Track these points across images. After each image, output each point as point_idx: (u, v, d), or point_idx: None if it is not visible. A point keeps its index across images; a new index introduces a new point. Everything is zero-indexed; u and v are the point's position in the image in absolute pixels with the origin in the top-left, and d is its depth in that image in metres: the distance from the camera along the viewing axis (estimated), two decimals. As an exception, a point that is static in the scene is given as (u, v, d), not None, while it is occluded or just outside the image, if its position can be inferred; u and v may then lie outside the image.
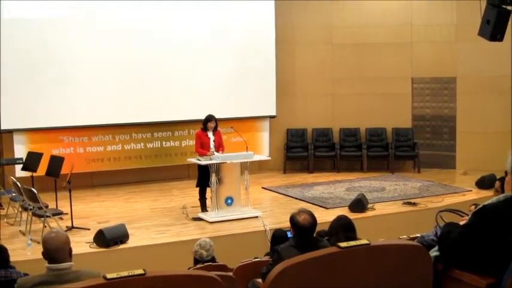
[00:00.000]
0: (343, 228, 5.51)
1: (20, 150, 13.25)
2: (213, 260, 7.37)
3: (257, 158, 12.10)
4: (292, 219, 5.36)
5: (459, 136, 15.67)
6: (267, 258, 6.47)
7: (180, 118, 14.73)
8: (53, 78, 13.56)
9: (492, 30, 8.92)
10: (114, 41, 14.03)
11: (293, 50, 16.06)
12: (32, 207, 10.08)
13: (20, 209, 10.89)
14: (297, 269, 3.29)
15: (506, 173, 4.00)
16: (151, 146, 14.73)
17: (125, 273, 2.94)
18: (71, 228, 10.37)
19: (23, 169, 12.23)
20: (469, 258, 3.89)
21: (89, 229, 10.38)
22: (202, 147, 11.37)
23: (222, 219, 10.93)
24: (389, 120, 16.00)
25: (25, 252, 9.26)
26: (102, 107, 13.96)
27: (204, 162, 10.98)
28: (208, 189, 11.30)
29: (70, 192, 10.45)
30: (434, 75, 15.94)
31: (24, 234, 10.22)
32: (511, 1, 9.03)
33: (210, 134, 11.46)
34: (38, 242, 9.16)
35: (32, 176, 11.80)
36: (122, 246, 9.60)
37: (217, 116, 11.62)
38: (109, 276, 2.93)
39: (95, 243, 9.56)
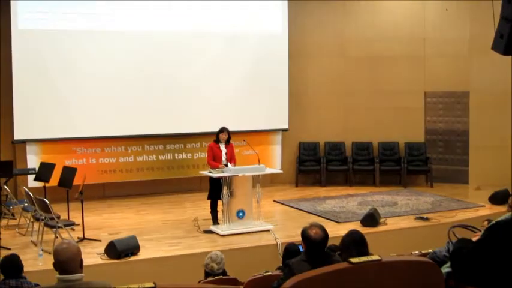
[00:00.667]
0: (354, 243, 5.47)
1: (33, 161, 13.31)
2: (224, 273, 7.35)
3: (269, 171, 12.10)
4: (304, 233, 5.33)
5: (472, 151, 15.59)
6: (278, 272, 6.44)
7: (192, 130, 14.75)
8: (67, 89, 13.64)
9: (506, 45, 8.88)
10: (126, 53, 14.10)
11: (306, 63, 16.07)
12: (43, 218, 10.09)
13: (32, 219, 10.91)
14: (308, 283, 3.28)
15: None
16: (163, 158, 14.75)
17: (135, 286, 2.94)
18: (82, 239, 10.37)
19: (35, 179, 12.27)
20: (481, 274, 3.86)
21: (100, 240, 10.38)
22: (214, 160, 11.37)
23: (233, 232, 10.90)
24: (402, 134, 15.98)
25: (36, 263, 9.25)
26: (115, 118, 14.01)
27: (216, 175, 10.97)
28: (219, 202, 11.29)
29: (82, 203, 10.47)
30: (447, 89, 15.91)
31: (35, 244, 10.22)
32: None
33: (223, 147, 11.46)
34: (50, 253, 9.16)
35: (44, 187, 11.84)
36: (132, 258, 9.58)
37: (229, 129, 11.61)
38: (119, 288, 2.93)
39: (106, 255, 9.55)
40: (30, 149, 13.50)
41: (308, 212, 12.81)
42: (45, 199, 9.89)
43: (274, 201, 14.02)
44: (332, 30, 16.19)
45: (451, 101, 16.05)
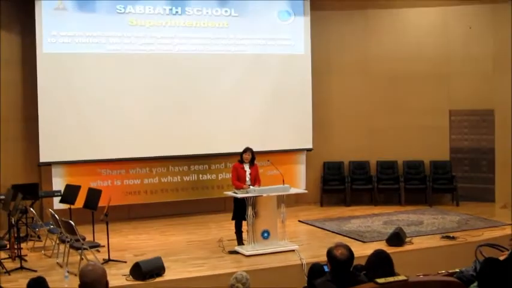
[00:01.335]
0: (380, 262, 5.44)
1: (58, 183, 13.40)
2: (249, 293, 7.31)
3: (294, 191, 12.07)
4: (329, 253, 5.31)
5: (498, 169, 15.50)
6: (303, 292, 6.42)
7: (216, 151, 14.78)
8: (91, 111, 13.76)
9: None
10: (151, 75, 14.22)
11: (329, 82, 16.08)
12: (69, 240, 10.12)
13: (57, 241, 10.95)
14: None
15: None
16: (187, 179, 14.78)
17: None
18: (107, 260, 10.39)
19: (61, 201, 12.36)
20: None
21: (125, 262, 10.40)
22: (238, 180, 11.38)
23: (258, 252, 10.86)
24: (427, 152, 15.91)
25: (62, 285, 9.28)
26: (140, 140, 14.08)
27: (240, 195, 10.96)
28: (244, 223, 11.28)
29: (107, 224, 10.48)
30: (472, 107, 15.83)
31: (61, 266, 10.25)
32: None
33: (247, 167, 11.47)
34: (75, 275, 9.19)
35: (69, 209, 11.91)
36: (158, 279, 9.57)
37: (253, 149, 11.62)
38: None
39: (131, 276, 9.55)
40: (55, 171, 13.60)
41: (333, 232, 12.76)
42: (70, 221, 9.92)
43: (299, 221, 13.98)
44: (355, 49, 16.20)
45: (476, 119, 15.97)
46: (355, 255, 5.43)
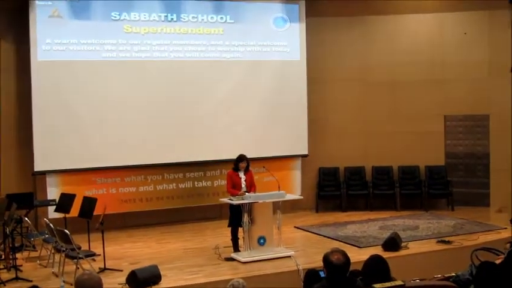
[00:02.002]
0: (377, 268, 5.45)
1: (53, 192, 13.34)
2: (246, 300, 7.30)
3: (289, 197, 12.05)
4: (326, 259, 5.30)
5: (493, 173, 15.53)
6: (300, 298, 6.41)
7: (212, 158, 14.76)
8: (86, 120, 13.73)
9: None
10: (146, 83, 14.20)
11: (324, 88, 16.08)
12: (64, 249, 10.09)
13: (53, 251, 10.91)
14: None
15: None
16: (183, 186, 14.76)
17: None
18: (103, 269, 10.37)
19: (56, 210, 12.31)
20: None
21: (121, 270, 10.37)
22: (233, 188, 11.37)
23: (254, 259, 10.85)
24: (422, 158, 15.94)
25: (58, 294, 9.28)
26: (134, 147, 14.06)
27: (236, 202, 10.96)
28: (240, 229, 11.27)
29: (103, 233, 10.46)
30: (467, 112, 15.88)
31: (57, 275, 10.21)
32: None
33: (242, 174, 11.46)
34: (71, 284, 9.17)
35: (65, 218, 11.85)
36: (154, 287, 9.55)
37: (249, 156, 11.63)
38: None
39: (127, 285, 9.53)
40: (50, 180, 13.55)
41: (329, 238, 12.77)
42: (65, 230, 9.90)
43: (295, 227, 13.98)
44: (351, 55, 16.22)
45: (471, 124, 16.00)
46: (352, 261, 5.42)
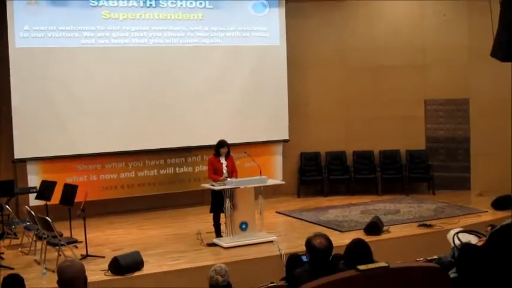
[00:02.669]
0: (359, 251, 5.46)
1: (34, 180, 13.26)
2: (228, 285, 7.30)
3: (271, 182, 12.03)
4: (308, 243, 5.32)
5: (473, 157, 15.62)
6: (282, 283, 6.42)
7: (193, 144, 14.74)
8: (66, 107, 13.64)
9: (504, 51, 8.87)
10: (125, 69, 14.12)
11: (305, 73, 16.07)
12: (46, 236, 10.06)
13: (34, 238, 10.88)
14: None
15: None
16: (164, 173, 14.73)
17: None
18: (85, 256, 10.34)
19: (37, 198, 12.24)
20: (488, 278, 3.85)
21: (103, 257, 10.35)
22: (215, 173, 11.36)
23: (237, 244, 10.88)
24: (403, 142, 15.99)
25: (40, 282, 9.24)
26: (115, 134, 14.00)
27: (217, 187, 10.95)
28: (222, 215, 11.27)
29: (84, 220, 10.41)
30: (447, 96, 15.91)
31: (39, 263, 10.20)
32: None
33: (223, 160, 11.45)
34: (53, 271, 9.14)
35: (46, 205, 11.79)
36: (137, 273, 9.55)
37: (230, 141, 11.64)
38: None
39: (109, 271, 9.52)
40: (30, 167, 13.47)
41: (311, 222, 12.79)
42: (47, 217, 9.87)
43: (277, 212, 13.99)
44: (331, 40, 16.18)
45: (452, 109, 16.05)
46: (334, 245, 5.44)
